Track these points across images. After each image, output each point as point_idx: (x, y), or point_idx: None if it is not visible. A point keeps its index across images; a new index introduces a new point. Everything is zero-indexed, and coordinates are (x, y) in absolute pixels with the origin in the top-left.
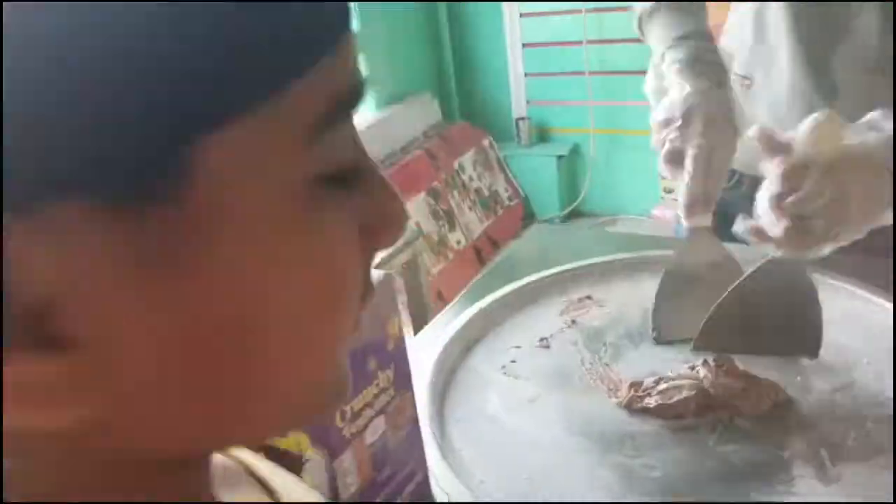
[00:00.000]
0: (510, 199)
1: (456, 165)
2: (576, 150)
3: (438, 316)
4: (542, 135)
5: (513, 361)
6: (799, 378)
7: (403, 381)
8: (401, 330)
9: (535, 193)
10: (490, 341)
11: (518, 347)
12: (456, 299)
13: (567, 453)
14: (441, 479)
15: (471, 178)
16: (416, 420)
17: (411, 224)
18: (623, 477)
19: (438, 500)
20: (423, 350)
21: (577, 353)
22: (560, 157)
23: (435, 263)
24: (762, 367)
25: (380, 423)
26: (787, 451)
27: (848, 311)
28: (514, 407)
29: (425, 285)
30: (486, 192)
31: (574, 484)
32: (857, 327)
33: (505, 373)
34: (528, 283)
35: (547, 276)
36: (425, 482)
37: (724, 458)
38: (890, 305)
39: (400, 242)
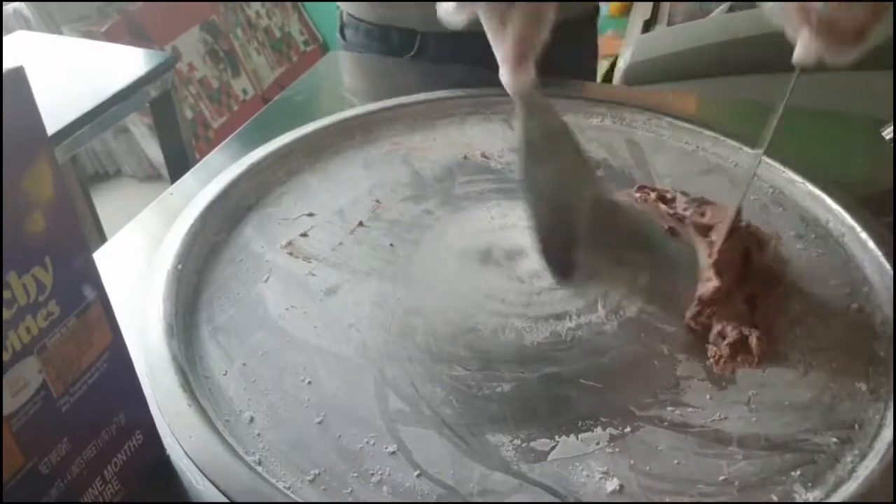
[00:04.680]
0: (306, 43)
1: None
2: None
3: (187, 175)
4: None
5: (303, 235)
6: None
7: (75, 287)
8: (61, 189)
9: (335, 38)
10: (267, 207)
11: (311, 215)
12: (213, 152)
13: (382, 368)
14: (182, 429)
15: (258, 15)
16: (117, 347)
17: (156, 49)
18: (460, 396)
19: (178, 467)
20: (166, 225)
21: (400, 219)
22: None
23: (216, 116)
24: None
25: (28, 373)
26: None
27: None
28: (303, 303)
29: (185, 136)
30: (277, 34)
31: (380, 416)
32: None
33: (290, 253)
34: (324, 128)
35: (349, 118)
36: (150, 439)
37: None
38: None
39: (140, 70)
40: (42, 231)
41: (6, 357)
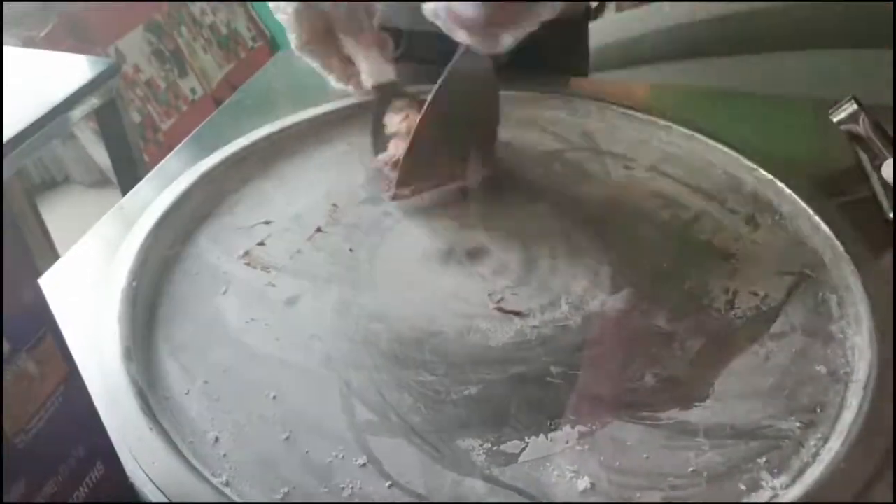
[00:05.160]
0: (254, 39)
1: None
2: None
3: (139, 185)
4: None
5: (260, 244)
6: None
7: (25, 322)
8: (10, 219)
9: (283, 33)
10: (222, 217)
11: (268, 223)
12: (166, 159)
13: (348, 378)
14: (145, 454)
15: (203, 12)
16: (72, 379)
17: (102, 57)
18: (425, 399)
19: (143, 494)
20: (121, 237)
21: (359, 223)
22: None
23: (164, 118)
24: None
25: None
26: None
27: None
28: (264, 315)
29: (133, 142)
30: (223, 30)
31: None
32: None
33: (248, 263)
34: (277, 131)
35: (302, 121)
36: (112, 468)
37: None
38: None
39: (82, 79)
40: None
41: None
